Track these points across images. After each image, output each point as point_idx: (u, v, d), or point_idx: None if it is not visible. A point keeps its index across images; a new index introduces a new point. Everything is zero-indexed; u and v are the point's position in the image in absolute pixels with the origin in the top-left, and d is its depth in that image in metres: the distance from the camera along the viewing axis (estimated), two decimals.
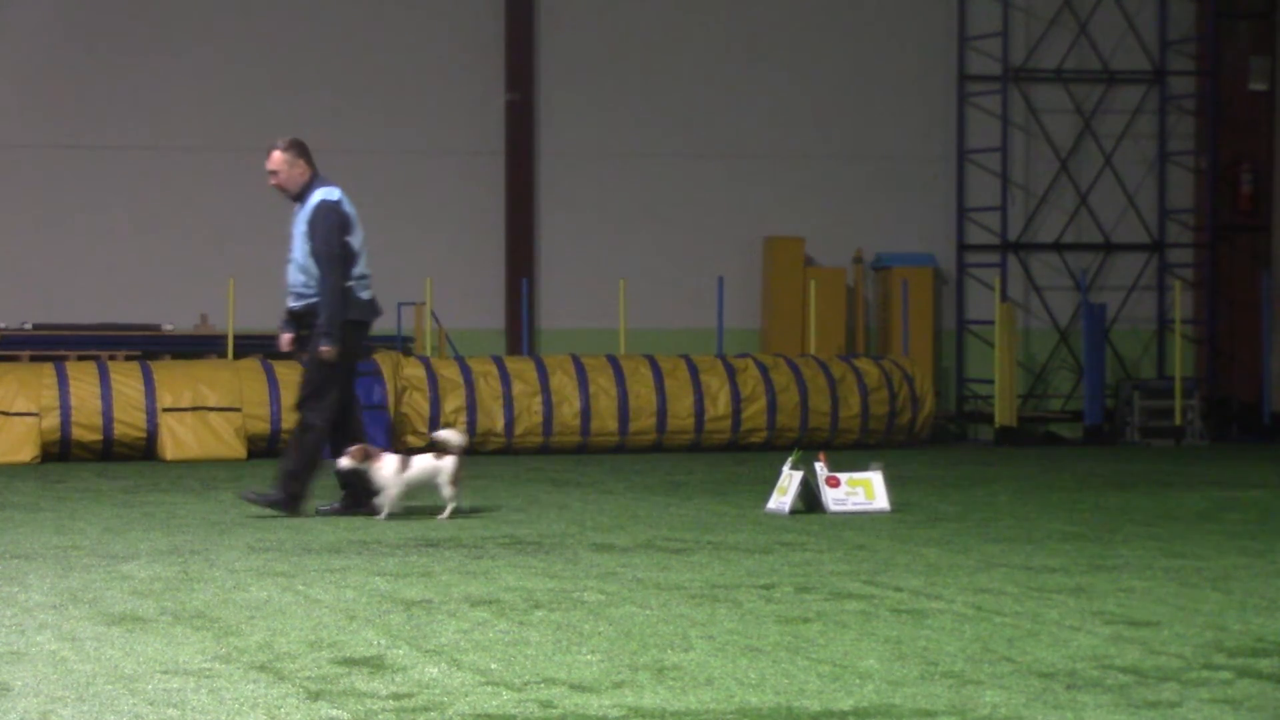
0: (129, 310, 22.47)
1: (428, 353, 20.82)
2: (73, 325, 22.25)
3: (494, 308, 23.39)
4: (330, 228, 12.35)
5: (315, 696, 6.22)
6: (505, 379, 19.45)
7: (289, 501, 12.34)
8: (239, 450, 17.94)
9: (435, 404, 19.09)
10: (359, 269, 12.54)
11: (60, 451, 17.60)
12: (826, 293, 23.09)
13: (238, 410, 18.11)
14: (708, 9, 24.07)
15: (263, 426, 18.23)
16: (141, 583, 9.01)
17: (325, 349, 12.30)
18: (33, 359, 19.95)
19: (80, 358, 19.87)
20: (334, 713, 5.97)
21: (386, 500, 12.24)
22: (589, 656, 6.98)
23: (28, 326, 22.07)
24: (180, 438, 17.77)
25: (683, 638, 7.40)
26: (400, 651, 7.09)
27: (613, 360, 20.16)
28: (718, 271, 22.83)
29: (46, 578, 9.16)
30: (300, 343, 12.59)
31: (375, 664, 6.83)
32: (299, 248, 12.46)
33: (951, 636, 7.44)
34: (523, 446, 19.35)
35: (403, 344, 21.23)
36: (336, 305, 12.32)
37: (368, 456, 12.21)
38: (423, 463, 12.33)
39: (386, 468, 12.23)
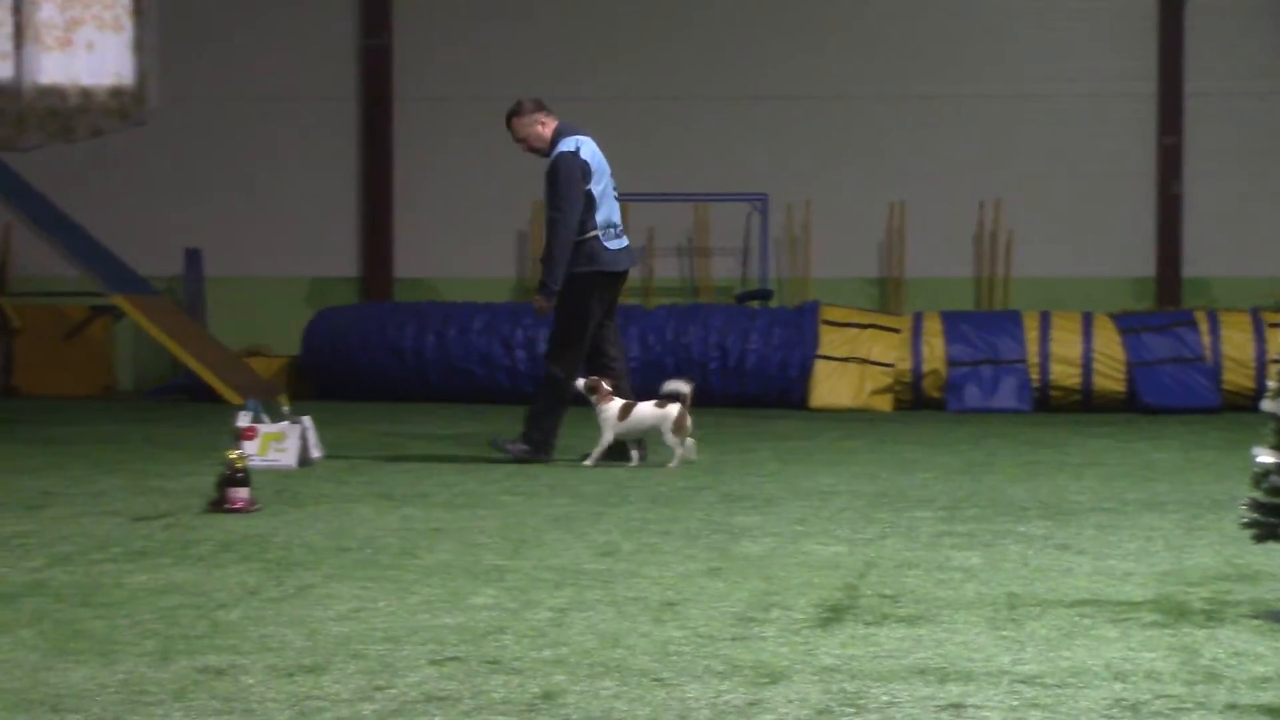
0: None
1: None
2: None
3: None
4: (563, 180, 12.06)
5: None
6: None
7: (536, 449, 12.20)
8: None
9: None
10: (603, 217, 12.20)
11: None
12: None
13: None
14: None
15: None
16: None
17: (535, 301, 12.22)
18: None
19: None
20: None
21: (600, 445, 11.86)
22: None
23: None
24: None
25: None
26: None
27: None
28: None
29: None
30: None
31: None
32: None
33: None
34: None
35: None
36: (555, 261, 12.05)
37: (593, 391, 11.86)
38: (643, 411, 11.80)
39: (608, 412, 11.82)
